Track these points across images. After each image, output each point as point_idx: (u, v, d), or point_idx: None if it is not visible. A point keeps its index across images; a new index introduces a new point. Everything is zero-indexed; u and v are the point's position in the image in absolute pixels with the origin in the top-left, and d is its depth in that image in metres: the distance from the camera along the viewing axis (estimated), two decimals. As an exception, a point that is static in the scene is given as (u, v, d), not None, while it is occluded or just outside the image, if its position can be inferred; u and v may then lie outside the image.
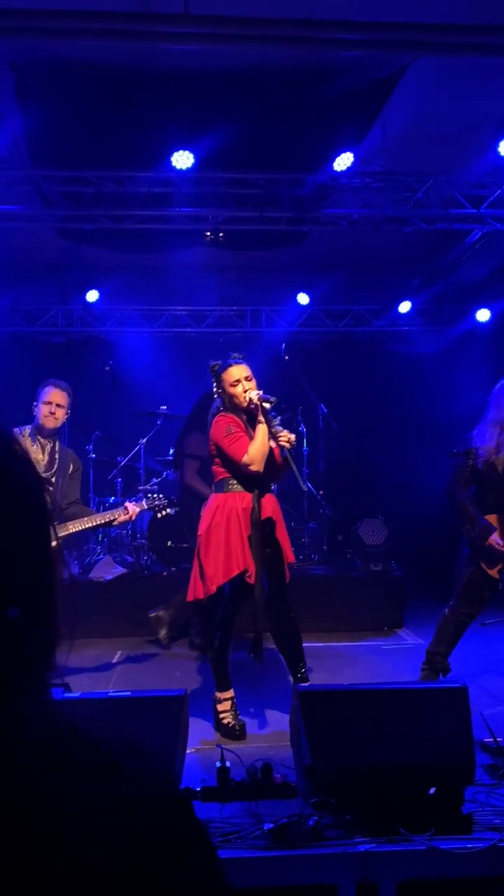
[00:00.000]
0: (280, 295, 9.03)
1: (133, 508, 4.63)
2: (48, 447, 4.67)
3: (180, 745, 2.92)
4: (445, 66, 5.18)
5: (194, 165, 6.08)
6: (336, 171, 6.31)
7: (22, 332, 8.95)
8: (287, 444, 3.89)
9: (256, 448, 3.92)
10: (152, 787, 0.57)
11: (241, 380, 4.02)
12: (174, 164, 6.06)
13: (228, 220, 6.88)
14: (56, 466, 4.63)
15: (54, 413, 4.61)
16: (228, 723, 4.02)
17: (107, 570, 6.70)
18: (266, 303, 9.16)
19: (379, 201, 6.85)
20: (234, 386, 4.02)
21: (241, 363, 4.08)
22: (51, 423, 4.62)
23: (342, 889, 2.46)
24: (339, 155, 6.15)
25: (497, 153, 6.13)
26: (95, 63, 5.07)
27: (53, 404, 4.61)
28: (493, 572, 4.25)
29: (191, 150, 5.98)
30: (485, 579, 4.28)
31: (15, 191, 6.48)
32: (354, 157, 6.16)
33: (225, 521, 3.97)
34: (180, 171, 6.14)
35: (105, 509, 5.64)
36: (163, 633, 5.99)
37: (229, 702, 4.09)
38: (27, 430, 4.63)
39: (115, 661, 5.62)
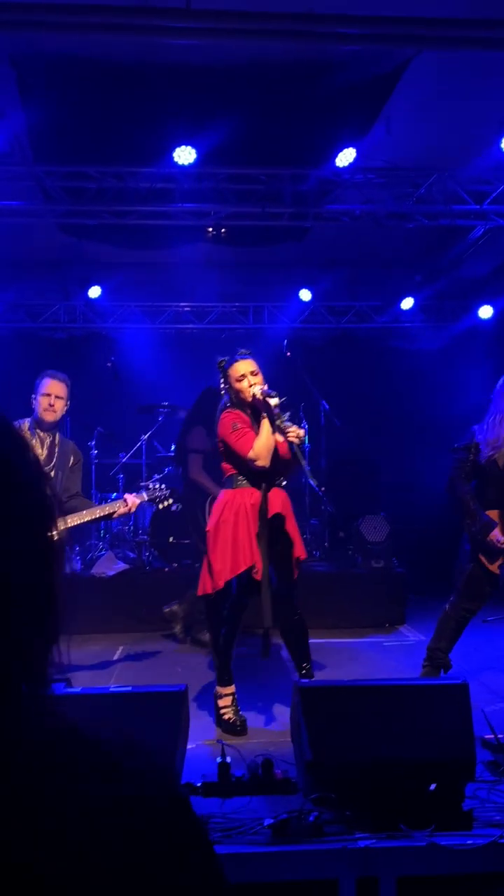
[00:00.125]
0: (282, 291, 9.02)
1: (133, 500, 4.56)
2: (47, 441, 4.58)
3: (181, 741, 2.92)
4: (448, 62, 5.16)
5: (196, 161, 6.07)
6: (338, 167, 6.30)
7: (25, 328, 8.95)
8: (296, 440, 3.90)
9: (261, 443, 3.93)
10: (152, 786, 0.56)
11: (246, 374, 4.03)
12: (176, 159, 6.05)
13: (230, 215, 6.86)
14: (55, 459, 4.55)
15: (53, 405, 4.51)
16: (229, 718, 4.03)
17: (108, 566, 6.71)
18: (268, 299, 9.14)
19: (381, 197, 6.82)
20: (240, 381, 4.04)
21: (247, 358, 4.11)
22: (50, 417, 4.53)
23: (342, 884, 2.46)
24: (341, 150, 6.13)
25: (500, 149, 6.10)
26: (97, 58, 5.06)
27: (52, 396, 4.50)
28: (494, 567, 4.25)
29: (192, 146, 5.97)
30: (485, 574, 4.28)
31: (17, 186, 6.47)
32: (357, 152, 6.14)
33: (233, 516, 3.99)
34: (182, 166, 6.12)
35: (106, 505, 5.61)
36: (178, 627, 6.05)
37: (230, 697, 4.10)
38: (26, 423, 4.55)
39: (116, 656, 5.63)
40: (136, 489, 4.96)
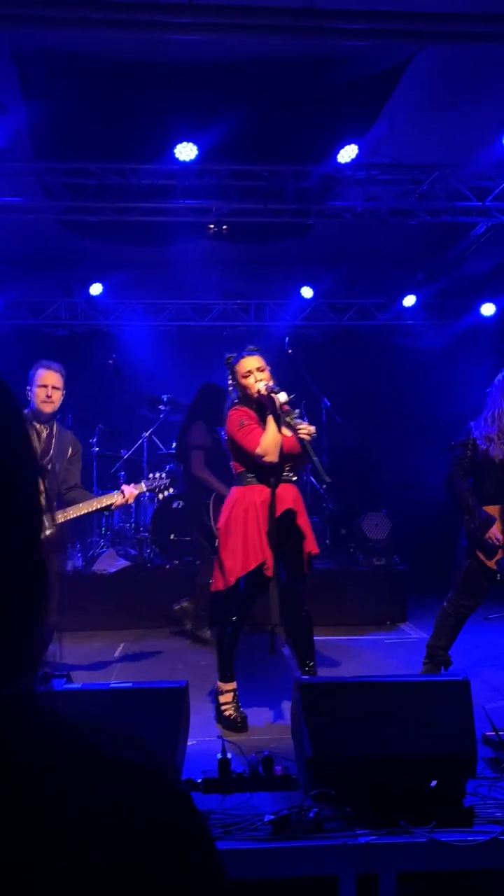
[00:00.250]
0: (284, 288, 9.01)
1: (130, 491, 4.47)
2: (44, 433, 4.46)
3: (181, 737, 2.92)
4: (451, 58, 5.14)
5: (198, 157, 6.05)
6: (340, 164, 6.28)
7: (26, 325, 8.95)
8: (307, 437, 3.89)
9: (268, 439, 3.94)
10: (153, 785, 0.56)
11: (252, 371, 4.04)
12: (177, 155, 6.04)
13: (232, 212, 6.85)
14: (53, 450, 4.45)
15: (51, 396, 4.38)
16: (230, 714, 4.02)
17: (110, 563, 6.71)
18: (270, 296, 9.14)
19: (384, 194, 6.81)
20: (246, 377, 4.05)
21: (254, 355, 4.12)
22: (48, 408, 4.40)
23: (342, 880, 2.46)
24: (343, 147, 6.12)
25: (503, 145, 6.09)
26: (99, 54, 5.04)
27: (49, 387, 4.38)
28: (491, 563, 4.24)
29: (194, 142, 5.96)
30: (483, 571, 4.27)
31: (18, 182, 6.47)
32: (359, 149, 6.13)
33: (243, 513, 3.99)
34: (184, 162, 6.11)
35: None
36: (189, 624, 6.07)
37: (231, 693, 4.09)
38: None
39: (117, 653, 5.63)
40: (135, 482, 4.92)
